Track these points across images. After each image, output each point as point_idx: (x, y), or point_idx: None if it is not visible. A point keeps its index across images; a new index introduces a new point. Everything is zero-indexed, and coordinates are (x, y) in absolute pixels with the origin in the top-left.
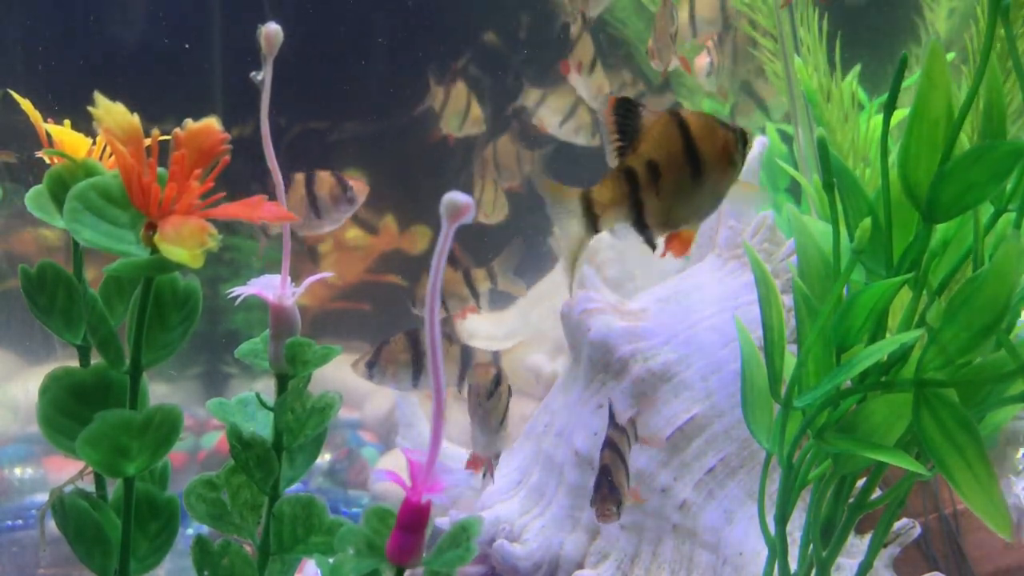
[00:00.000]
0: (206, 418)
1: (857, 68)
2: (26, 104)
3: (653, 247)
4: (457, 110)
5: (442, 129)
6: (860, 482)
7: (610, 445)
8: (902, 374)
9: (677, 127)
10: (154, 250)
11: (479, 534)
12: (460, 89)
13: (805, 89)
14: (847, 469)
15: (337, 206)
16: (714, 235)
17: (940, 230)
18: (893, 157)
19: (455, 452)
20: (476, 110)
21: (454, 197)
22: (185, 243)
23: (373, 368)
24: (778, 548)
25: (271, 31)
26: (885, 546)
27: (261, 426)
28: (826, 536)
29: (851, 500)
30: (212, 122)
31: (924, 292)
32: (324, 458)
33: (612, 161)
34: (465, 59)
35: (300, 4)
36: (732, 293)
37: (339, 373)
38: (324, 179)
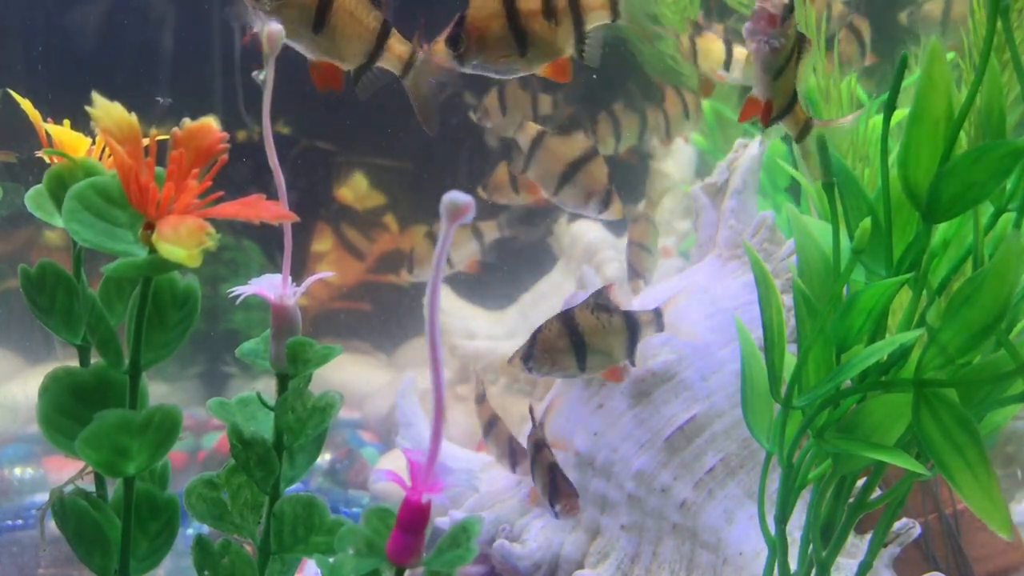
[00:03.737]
0: (206, 418)
1: (853, 74)
2: (26, 104)
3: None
4: None
5: None
6: (860, 482)
7: (545, 445)
8: (902, 374)
9: None
10: (152, 250)
11: (479, 534)
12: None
13: (805, 88)
14: (847, 469)
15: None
16: (715, 235)
17: (940, 230)
18: (893, 157)
19: (455, 452)
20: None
21: (454, 197)
22: (183, 243)
23: (530, 361)
24: (778, 548)
25: (273, 31)
26: (885, 546)
27: (262, 426)
28: (826, 536)
29: (851, 500)
30: (210, 121)
31: (924, 292)
32: (324, 458)
33: None
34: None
35: None
36: (732, 293)
37: (339, 373)
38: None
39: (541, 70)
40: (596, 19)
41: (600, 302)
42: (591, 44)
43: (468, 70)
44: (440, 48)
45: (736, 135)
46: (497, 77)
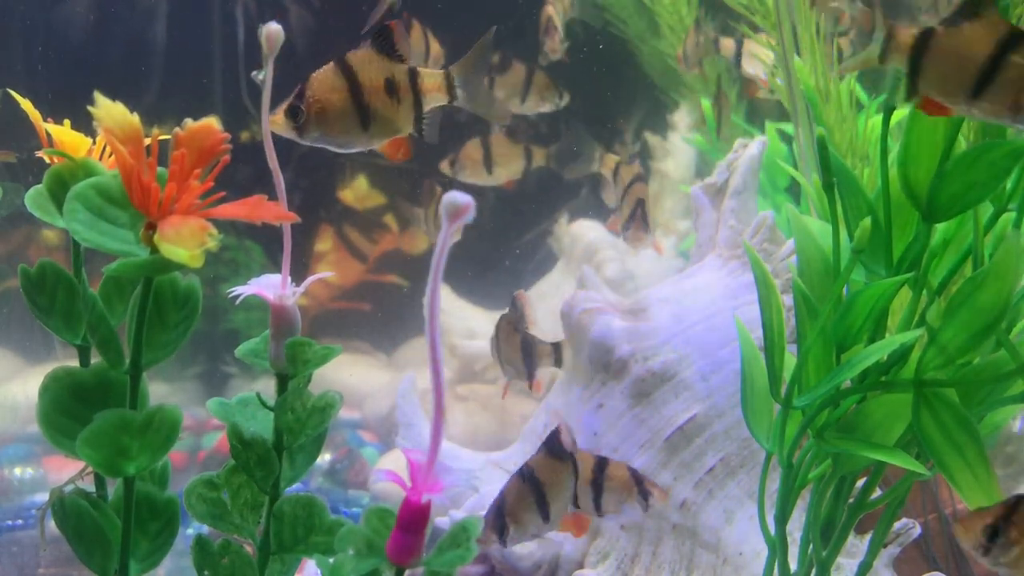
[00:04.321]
0: (206, 418)
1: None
2: (26, 104)
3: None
4: (418, 51)
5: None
6: (860, 482)
7: (524, 475)
8: (902, 374)
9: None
10: (154, 250)
11: (479, 534)
12: (416, 31)
13: (805, 88)
14: (847, 469)
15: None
16: (714, 235)
17: (940, 230)
18: (893, 157)
19: (455, 452)
20: (436, 46)
21: (454, 197)
22: (185, 243)
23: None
24: (778, 548)
25: (272, 31)
26: (885, 546)
27: (261, 426)
28: (826, 536)
29: (851, 500)
30: (212, 122)
31: (924, 292)
32: (324, 458)
33: None
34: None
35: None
36: (732, 293)
37: (339, 373)
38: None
39: (381, 146)
40: (434, 100)
41: (513, 316)
42: (429, 123)
43: (308, 142)
44: (279, 120)
45: (736, 135)
46: (337, 151)
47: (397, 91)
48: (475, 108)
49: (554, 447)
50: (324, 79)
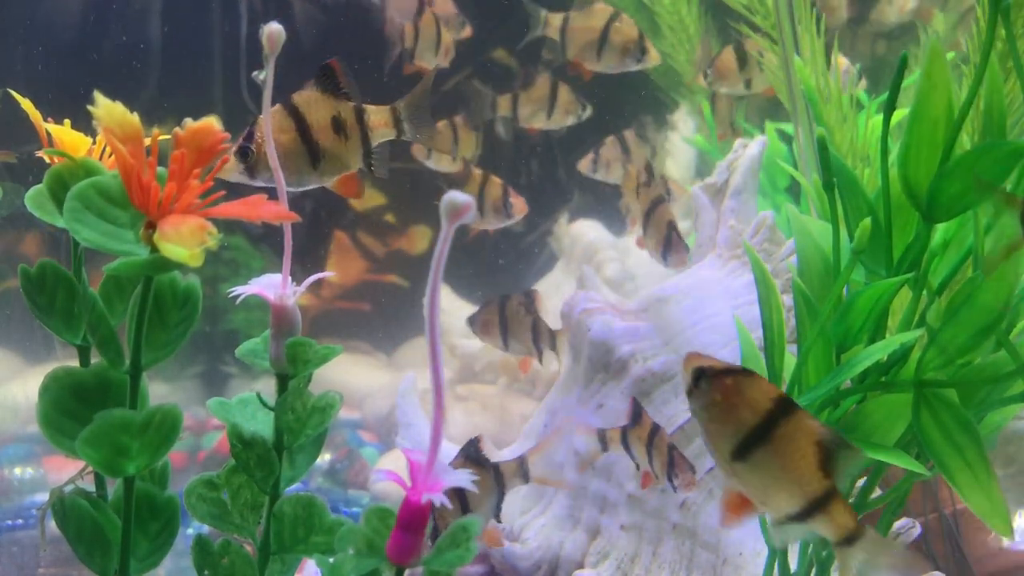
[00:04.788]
0: (206, 418)
1: (857, 68)
2: (26, 103)
3: None
4: (429, 41)
5: (415, 64)
6: (860, 482)
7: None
8: (902, 374)
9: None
10: (154, 249)
11: (479, 534)
12: (428, 19)
13: (805, 88)
14: None
15: (496, 214)
16: (714, 235)
17: (940, 230)
18: (893, 157)
19: (455, 452)
20: (447, 36)
21: (454, 197)
22: (185, 242)
23: (474, 324)
24: (778, 548)
25: (273, 31)
26: None
27: (262, 426)
28: None
29: (851, 500)
30: (212, 121)
31: (924, 292)
32: (324, 458)
33: None
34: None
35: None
36: (732, 293)
37: (339, 373)
38: (495, 185)
39: (332, 184)
40: (381, 135)
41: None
42: (378, 158)
43: (260, 183)
44: (229, 163)
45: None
46: (291, 190)
47: (344, 128)
48: (423, 141)
49: (472, 454)
50: (273, 119)
